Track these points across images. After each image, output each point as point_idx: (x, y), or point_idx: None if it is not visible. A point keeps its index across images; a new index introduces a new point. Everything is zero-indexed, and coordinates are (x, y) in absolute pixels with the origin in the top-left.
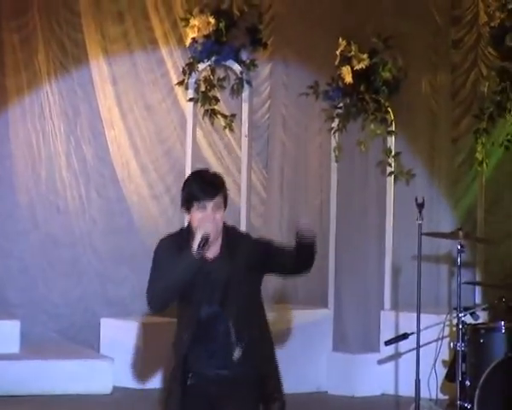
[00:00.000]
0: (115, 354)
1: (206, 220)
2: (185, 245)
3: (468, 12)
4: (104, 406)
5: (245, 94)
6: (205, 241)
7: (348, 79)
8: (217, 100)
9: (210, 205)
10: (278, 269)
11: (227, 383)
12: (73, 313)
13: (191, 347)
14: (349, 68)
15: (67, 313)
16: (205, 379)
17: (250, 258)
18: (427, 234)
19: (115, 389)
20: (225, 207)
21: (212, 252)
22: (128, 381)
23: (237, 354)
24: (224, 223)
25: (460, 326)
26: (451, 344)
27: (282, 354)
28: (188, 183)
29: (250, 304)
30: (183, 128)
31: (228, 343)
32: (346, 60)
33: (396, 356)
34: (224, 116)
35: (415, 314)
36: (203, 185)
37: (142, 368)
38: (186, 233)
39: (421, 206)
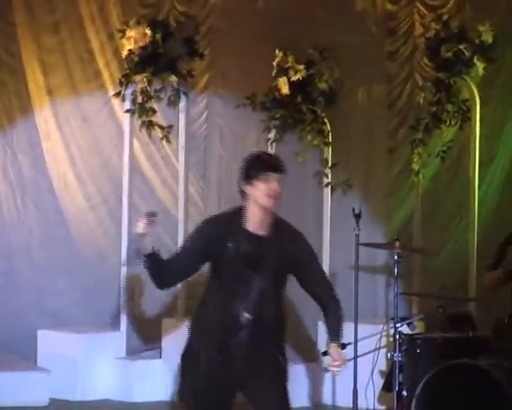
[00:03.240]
0: (52, 365)
1: (270, 192)
2: (234, 225)
3: (403, 23)
4: None
5: (182, 105)
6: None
7: (285, 90)
8: (154, 111)
9: (276, 179)
10: (305, 288)
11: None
12: (10, 324)
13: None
14: (285, 79)
15: (4, 324)
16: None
17: (287, 254)
18: (365, 244)
19: (52, 401)
20: None
21: (260, 230)
22: (65, 393)
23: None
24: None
25: (397, 337)
26: (388, 355)
27: None
28: (254, 159)
29: (274, 291)
30: (120, 139)
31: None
32: (282, 71)
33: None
34: (161, 127)
35: (352, 324)
36: (273, 161)
37: (78, 380)
38: (238, 214)
39: (358, 216)
